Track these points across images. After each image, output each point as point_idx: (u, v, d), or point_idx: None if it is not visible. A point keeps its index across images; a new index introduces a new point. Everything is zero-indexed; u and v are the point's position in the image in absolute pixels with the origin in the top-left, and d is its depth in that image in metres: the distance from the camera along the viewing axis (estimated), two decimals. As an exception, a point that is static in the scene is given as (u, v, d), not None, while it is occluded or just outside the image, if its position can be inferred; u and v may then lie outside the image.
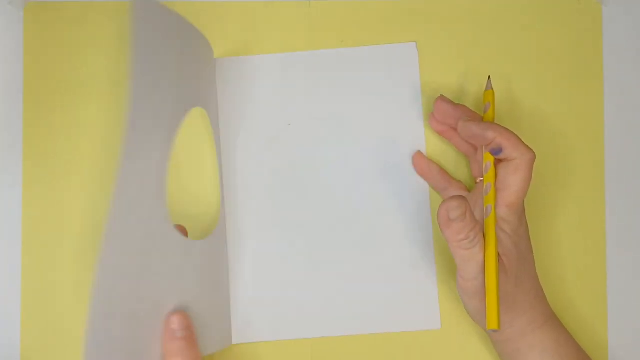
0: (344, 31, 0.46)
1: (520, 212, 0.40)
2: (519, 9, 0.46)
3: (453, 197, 0.37)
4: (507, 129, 0.39)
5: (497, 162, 0.40)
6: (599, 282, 0.45)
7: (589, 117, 0.46)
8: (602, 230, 0.45)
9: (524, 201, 0.40)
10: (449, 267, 0.45)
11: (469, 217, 0.37)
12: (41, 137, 0.45)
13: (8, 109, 0.45)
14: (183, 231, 0.41)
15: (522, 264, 0.39)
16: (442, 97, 0.43)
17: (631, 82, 0.46)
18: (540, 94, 0.46)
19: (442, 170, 0.44)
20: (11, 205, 0.45)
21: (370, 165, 0.45)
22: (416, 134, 0.46)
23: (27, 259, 0.45)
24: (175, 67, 0.38)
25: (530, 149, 0.39)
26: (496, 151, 0.39)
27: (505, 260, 0.38)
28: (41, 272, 0.45)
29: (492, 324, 0.37)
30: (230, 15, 0.46)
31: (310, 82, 0.46)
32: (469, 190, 0.44)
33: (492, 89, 0.43)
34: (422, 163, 0.45)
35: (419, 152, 0.45)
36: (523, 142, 0.39)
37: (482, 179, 0.41)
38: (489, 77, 0.44)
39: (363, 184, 0.45)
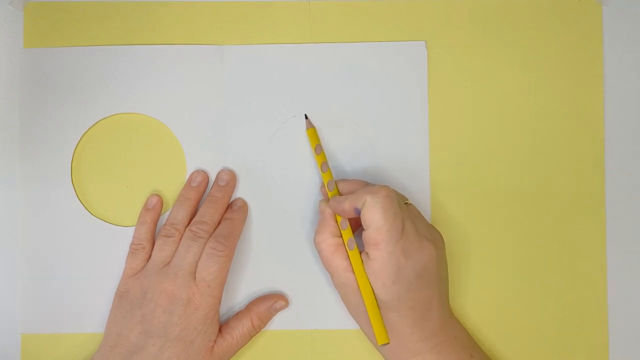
0: (351, 31, 0.46)
1: (392, 250, 0.38)
2: (519, 9, 0.46)
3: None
4: (354, 185, 0.42)
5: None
6: (599, 282, 0.45)
7: (589, 117, 0.46)
8: (602, 231, 0.45)
9: (400, 235, 0.39)
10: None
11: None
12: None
13: (7, 108, 0.45)
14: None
15: (406, 295, 0.39)
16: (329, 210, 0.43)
17: (631, 82, 0.46)
18: (540, 94, 0.46)
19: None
20: (10, 205, 0.45)
21: (372, 162, 0.45)
22: (420, 131, 0.46)
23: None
24: None
25: (381, 188, 0.39)
26: (358, 211, 0.39)
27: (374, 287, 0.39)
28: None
29: (381, 339, 0.39)
30: (235, 15, 0.46)
31: (317, 74, 0.46)
32: None
33: (313, 127, 0.44)
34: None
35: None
36: (371, 189, 0.39)
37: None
38: (306, 115, 0.45)
39: (365, 179, 0.45)
